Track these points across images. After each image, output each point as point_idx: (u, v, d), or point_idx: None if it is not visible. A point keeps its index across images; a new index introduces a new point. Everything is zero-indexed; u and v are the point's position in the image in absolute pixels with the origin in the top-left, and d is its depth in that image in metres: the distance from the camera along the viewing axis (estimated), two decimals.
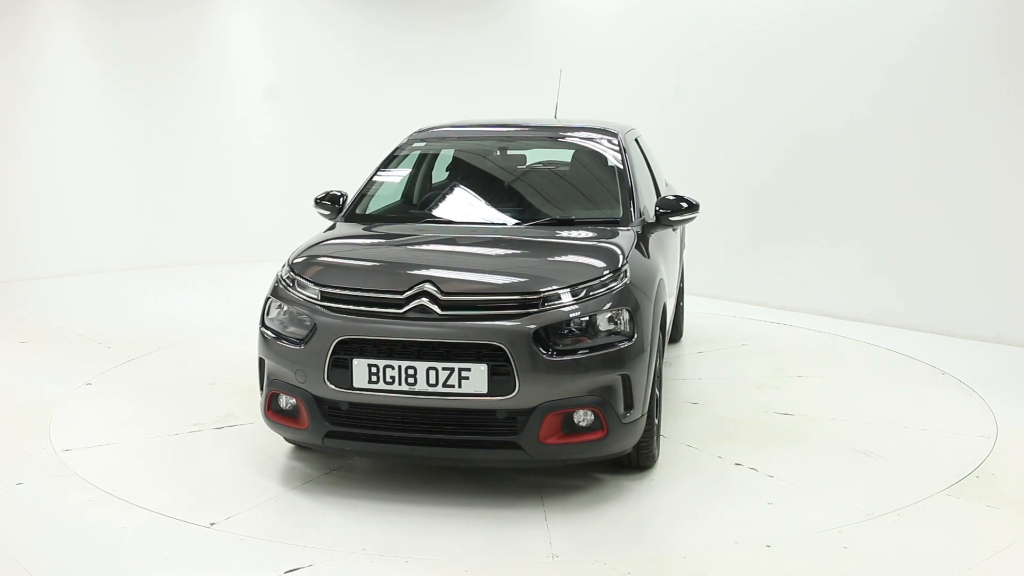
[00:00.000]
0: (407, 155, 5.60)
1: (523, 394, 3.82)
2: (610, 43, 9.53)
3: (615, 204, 4.97)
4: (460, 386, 3.83)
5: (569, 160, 5.67)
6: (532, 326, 3.85)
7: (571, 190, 5.43)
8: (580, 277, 4.07)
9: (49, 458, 4.63)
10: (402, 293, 3.96)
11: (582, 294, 4.00)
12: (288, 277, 4.31)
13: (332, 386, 3.95)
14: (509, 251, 4.50)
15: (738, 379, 6.01)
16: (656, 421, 4.52)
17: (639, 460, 4.40)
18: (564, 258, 4.40)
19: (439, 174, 5.72)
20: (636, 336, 4.03)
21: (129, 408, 5.44)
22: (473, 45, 10.63)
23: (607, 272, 4.14)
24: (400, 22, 10.87)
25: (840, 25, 7.81)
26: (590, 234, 4.63)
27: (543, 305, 3.93)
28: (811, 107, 8.03)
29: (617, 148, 5.31)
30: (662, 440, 4.79)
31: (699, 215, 5.03)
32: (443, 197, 5.44)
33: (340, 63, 10.94)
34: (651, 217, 4.99)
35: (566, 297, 3.97)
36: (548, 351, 3.85)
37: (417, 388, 3.86)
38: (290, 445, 4.68)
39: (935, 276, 7.35)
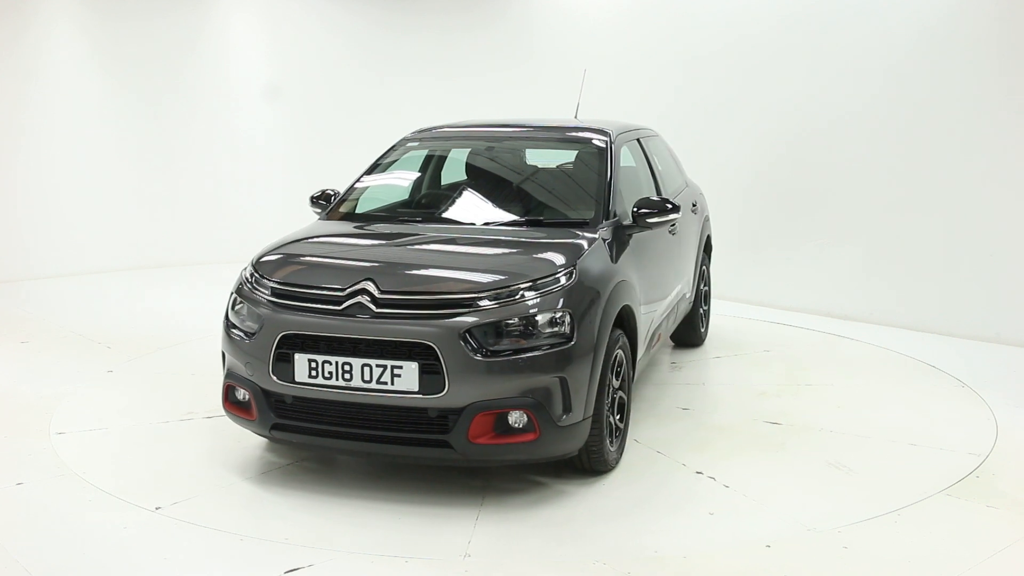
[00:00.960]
0: (396, 156, 5.64)
1: (453, 393, 3.84)
2: (611, 43, 9.52)
3: (587, 205, 4.93)
4: (393, 383, 3.89)
5: (553, 162, 5.65)
6: (463, 325, 3.87)
7: (548, 190, 5.37)
8: (520, 278, 4.05)
9: (49, 458, 4.63)
10: (343, 290, 4.06)
11: (518, 295, 3.98)
12: (250, 274, 4.45)
13: (276, 379, 4.07)
14: (460, 251, 4.53)
15: (743, 386, 5.95)
16: (620, 426, 4.50)
17: (591, 464, 4.33)
18: (510, 259, 4.34)
19: (423, 175, 5.73)
20: (577, 339, 3.99)
21: (126, 401, 5.49)
22: (473, 45, 10.63)
23: (551, 274, 4.09)
24: (400, 22, 10.86)
25: (839, 27, 7.81)
26: (550, 235, 4.58)
27: (476, 305, 3.93)
28: (811, 108, 8.03)
29: (603, 149, 5.22)
30: (633, 445, 4.77)
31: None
32: (421, 197, 5.51)
33: (340, 63, 10.93)
34: (629, 219, 4.91)
35: (501, 298, 3.97)
36: (479, 351, 3.85)
37: (353, 384, 3.93)
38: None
39: (934, 276, 7.35)
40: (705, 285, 6.89)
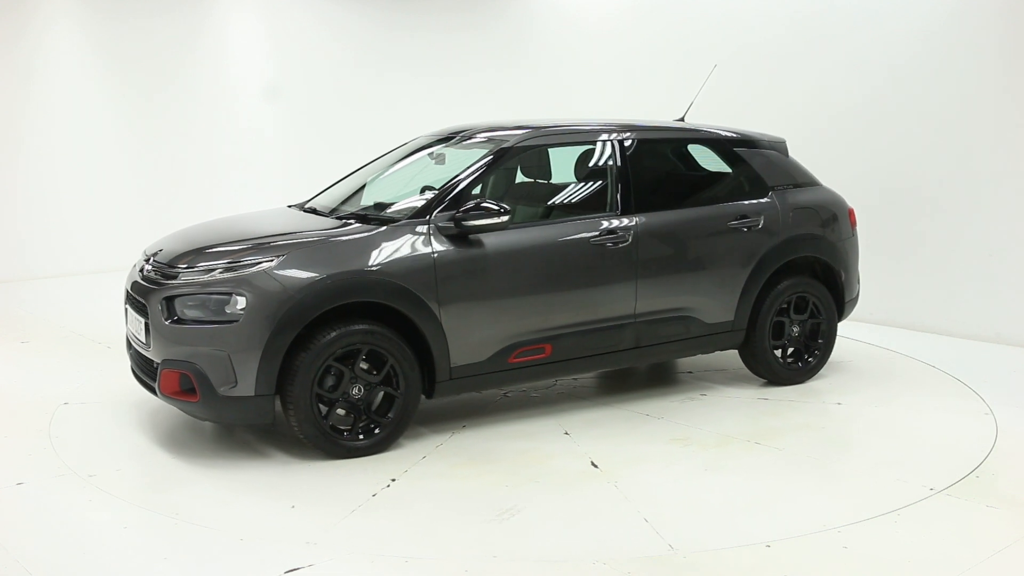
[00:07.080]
0: (379, 158, 5.90)
1: (154, 350, 4.57)
2: (610, 44, 9.53)
3: (419, 205, 4.94)
4: (140, 336, 4.70)
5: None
6: (163, 293, 4.54)
7: (420, 190, 5.44)
8: (221, 258, 4.56)
9: (49, 458, 4.64)
10: (147, 258, 4.92)
11: (204, 275, 4.51)
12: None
13: (125, 327, 5.08)
14: (230, 232, 4.99)
15: (690, 430, 5.10)
16: (376, 418, 4.64)
17: (311, 444, 4.58)
18: (240, 244, 4.71)
19: (358, 172, 5.89)
20: (247, 319, 4.37)
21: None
22: (473, 45, 10.63)
23: (249, 260, 4.51)
24: (400, 22, 10.87)
25: (841, 27, 7.81)
26: (326, 227, 4.88)
27: (177, 277, 4.58)
28: (810, 107, 8.03)
29: (487, 152, 5.10)
30: (417, 445, 4.77)
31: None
32: (326, 193, 5.79)
33: (340, 63, 10.94)
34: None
35: (193, 274, 4.54)
36: (168, 316, 4.49)
37: (135, 334, 4.83)
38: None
39: (934, 276, 7.35)
40: (810, 316, 5.85)
